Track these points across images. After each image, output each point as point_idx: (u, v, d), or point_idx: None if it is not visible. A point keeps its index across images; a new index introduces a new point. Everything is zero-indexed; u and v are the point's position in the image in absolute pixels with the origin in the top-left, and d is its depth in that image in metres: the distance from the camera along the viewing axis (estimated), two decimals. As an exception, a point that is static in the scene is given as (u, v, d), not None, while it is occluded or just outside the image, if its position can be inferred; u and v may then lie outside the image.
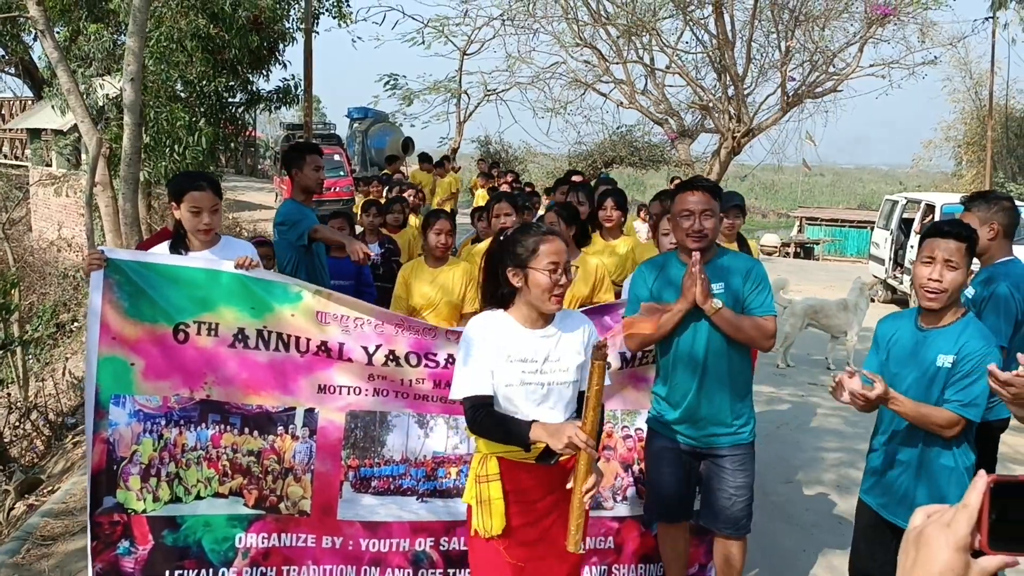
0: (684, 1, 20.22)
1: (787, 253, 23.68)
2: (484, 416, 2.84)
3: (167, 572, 3.77)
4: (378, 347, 3.90)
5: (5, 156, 27.92)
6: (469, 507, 2.97)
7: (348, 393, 3.97)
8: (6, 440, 7.28)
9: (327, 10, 14.90)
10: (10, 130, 26.83)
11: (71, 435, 7.06)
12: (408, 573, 4.03)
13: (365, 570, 4.00)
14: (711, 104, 21.95)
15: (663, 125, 23.82)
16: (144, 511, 3.75)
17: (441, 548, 4.04)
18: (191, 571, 3.80)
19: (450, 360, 3.80)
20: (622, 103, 23.57)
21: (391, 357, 3.91)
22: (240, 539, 3.88)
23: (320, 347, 3.88)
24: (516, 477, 2.92)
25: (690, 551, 4.04)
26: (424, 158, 15.30)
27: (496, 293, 3.00)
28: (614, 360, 4.05)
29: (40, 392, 8.50)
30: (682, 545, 3.93)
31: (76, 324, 14.21)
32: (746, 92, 21.23)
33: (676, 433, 3.71)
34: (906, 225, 15.00)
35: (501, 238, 2.99)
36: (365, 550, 4.02)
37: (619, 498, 4.23)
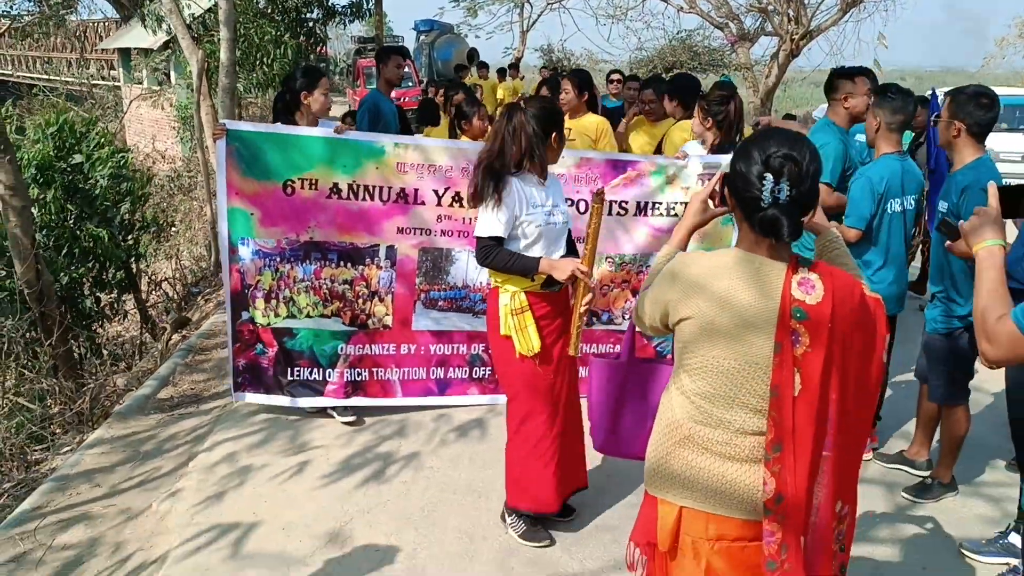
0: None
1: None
2: (497, 252, 3.42)
3: (289, 369, 4.73)
4: (446, 189, 4.65)
5: (92, 76, 29.49)
6: (505, 340, 3.49)
7: (420, 233, 4.75)
8: (148, 303, 8.76)
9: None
10: (102, 51, 28.26)
11: (199, 298, 8.47)
12: (465, 371, 4.97)
13: (432, 370, 4.94)
14: (770, 6, 22.18)
15: (723, 29, 23.97)
16: (268, 324, 4.67)
17: (490, 352, 4.42)
18: (305, 369, 4.75)
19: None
20: (682, 8, 23.80)
21: (456, 198, 4.67)
22: (341, 348, 4.77)
23: (399, 194, 4.63)
24: (539, 305, 3.48)
25: None
26: (480, 66, 16.22)
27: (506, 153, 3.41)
28: (631, 206, 4.89)
29: (161, 272, 9.94)
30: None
31: (174, 229, 15.64)
32: (806, -9, 21.43)
33: None
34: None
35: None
36: (433, 354, 4.92)
37: (627, 315, 5.11)
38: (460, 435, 4.62)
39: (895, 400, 4.95)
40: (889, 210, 4.10)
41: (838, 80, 4.58)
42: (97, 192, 7.91)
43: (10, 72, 28.56)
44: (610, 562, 3.39)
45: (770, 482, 1.98)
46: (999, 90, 14.90)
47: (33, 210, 6.94)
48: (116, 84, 26.84)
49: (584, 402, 3.42)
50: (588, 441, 3.31)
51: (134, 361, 7.40)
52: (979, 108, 3.77)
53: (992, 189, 2.12)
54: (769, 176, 1.95)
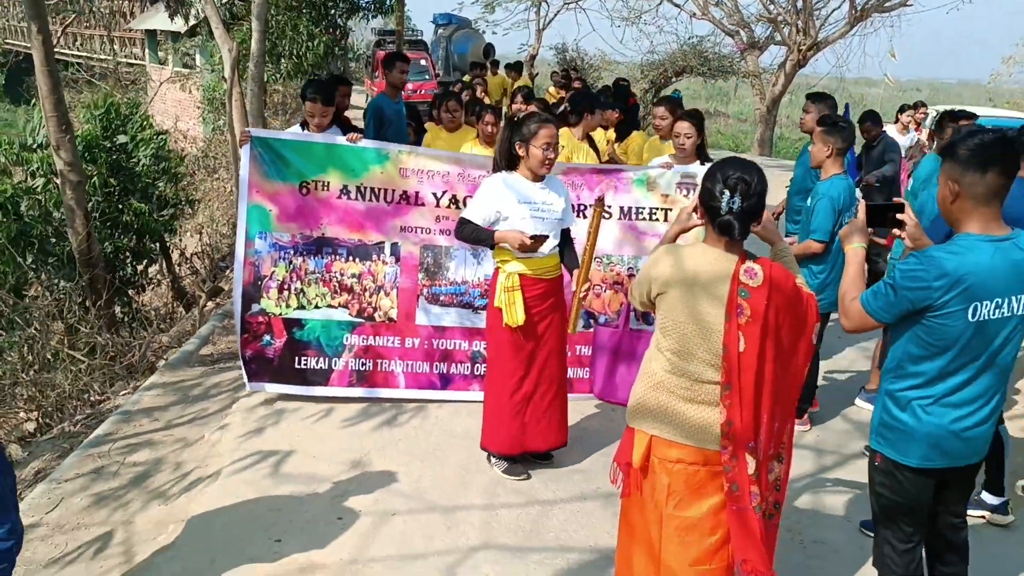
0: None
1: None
2: (466, 227, 4.19)
3: (296, 358, 5.09)
4: (444, 192, 5.14)
5: (117, 54, 30.27)
6: (496, 310, 4.18)
7: (422, 232, 5.21)
8: (183, 275, 9.57)
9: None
10: (129, 30, 29.02)
11: (227, 272, 9.26)
12: (467, 367, 5.29)
13: (435, 364, 5.27)
14: (780, 17, 22.84)
15: (734, 36, 24.69)
16: (280, 314, 5.05)
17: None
18: (312, 359, 5.11)
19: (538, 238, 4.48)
20: (695, 14, 24.52)
21: (453, 200, 5.15)
22: (347, 338, 5.15)
23: (402, 196, 5.12)
24: (528, 287, 4.14)
25: None
26: (493, 64, 16.87)
27: (509, 158, 4.16)
28: (616, 211, 5.36)
29: (189, 247, 10.73)
30: None
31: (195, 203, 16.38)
32: (815, 5, 22.07)
33: None
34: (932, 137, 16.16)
35: (514, 120, 4.28)
36: (436, 348, 5.27)
37: (621, 315, 5.38)
38: (461, 395, 5.37)
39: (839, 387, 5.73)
40: (844, 222, 4.86)
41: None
42: (139, 170, 8.69)
43: (40, 47, 29.23)
44: (578, 494, 4.16)
45: (723, 413, 2.72)
46: (994, 112, 15.33)
47: (85, 184, 7.72)
48: (141, 63, 27.64)
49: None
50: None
51: (166, 326, 8.19)
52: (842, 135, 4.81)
53: (861, 205, 2.92)
54: (726, 192, 2.70)
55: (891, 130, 10.34)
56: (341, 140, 5.13)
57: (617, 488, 2.97)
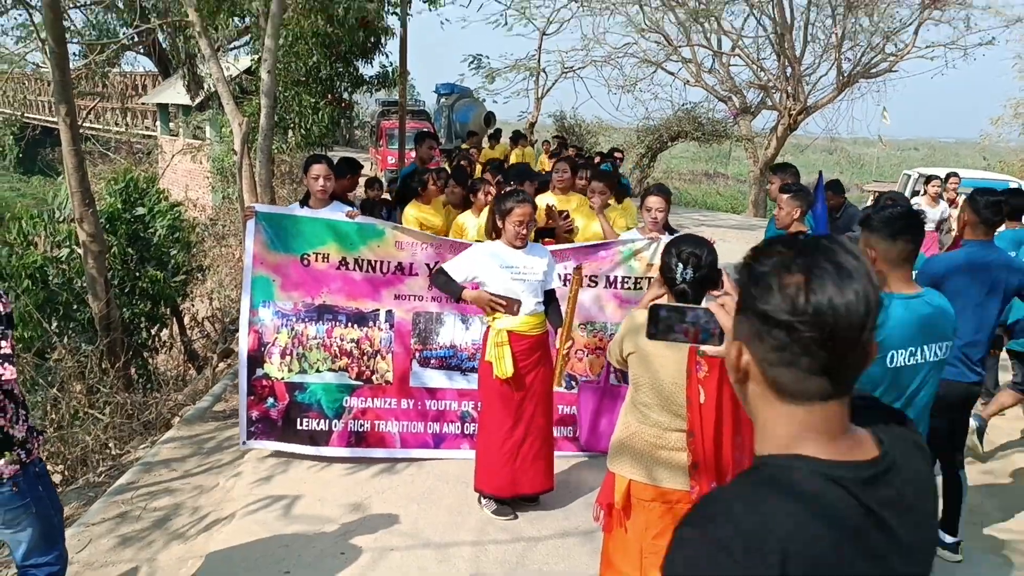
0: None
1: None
2: (440, 276, 4.66)
3: (298, 419, 5.34)
4: (436, 263, 5.33)
5: (129, 126, 31.20)
6: (487, 364, 4.58)
7: (414, 299, 5.52)
8: (194, 338, 10.05)
9: (418, -4, 17.33)
10: (142, 104, 29.97)
11: (235, 335, 9.73)
12: (457, 426, 5.58)
13: (429, 424, 5.56)
14: (770, 83, 23.62)
15: (726, 102, 25.48)
16: (282, 378, 5.32)
17: (478, 408, 5.19)
18: (313, 420, 5.36)
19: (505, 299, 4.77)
20: (688, 81, 25.36)
21: None
22: (346, 401, 5.42)
23: (397, 267, 5.43)
24: (516, 342, 4.55)
25: None
26: (495, 134, 17.51)
27: (493, 229, 4.62)
28: (601, 281, 5.65)
29: (200, 311, 11.23)
30: None
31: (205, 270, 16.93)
32: (804, 72, 22.85)
33: None
34: (915, 196, 16.58)
35: (500, 195, 4.81)
36: (429, 409, 5.55)
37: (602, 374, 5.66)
38: (456, 445, 5.78)
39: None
40: None
41: None
42: (156, 240, 9.22)
43: (55, 120, 30.22)
44: (560, 531, 4.54)
45: (689, 456, 3.14)
46: (987, 174, 15.63)
47: (105, 254, 8.23)
48: (153, 135, 28.51)
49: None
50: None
51: (179, 386, 8.63)
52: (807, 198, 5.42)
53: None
54: (680, 264, 3.16)
55: (920, 202, 10.37)
56: (340, 217, 5.42)
57: (597, 525, 3.38)
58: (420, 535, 4.45)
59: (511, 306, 4.49)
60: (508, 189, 5.53)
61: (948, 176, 11.37)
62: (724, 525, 1.15)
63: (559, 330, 4.64)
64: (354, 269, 5.40)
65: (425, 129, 24.20)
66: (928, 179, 10.81)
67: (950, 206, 10.73)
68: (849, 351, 1.20)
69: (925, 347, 3.08)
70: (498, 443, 4.63)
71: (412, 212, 6.71)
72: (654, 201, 5.57)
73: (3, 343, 2.99)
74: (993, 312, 4.21)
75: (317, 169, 5.54)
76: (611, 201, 6.79)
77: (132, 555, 4.31)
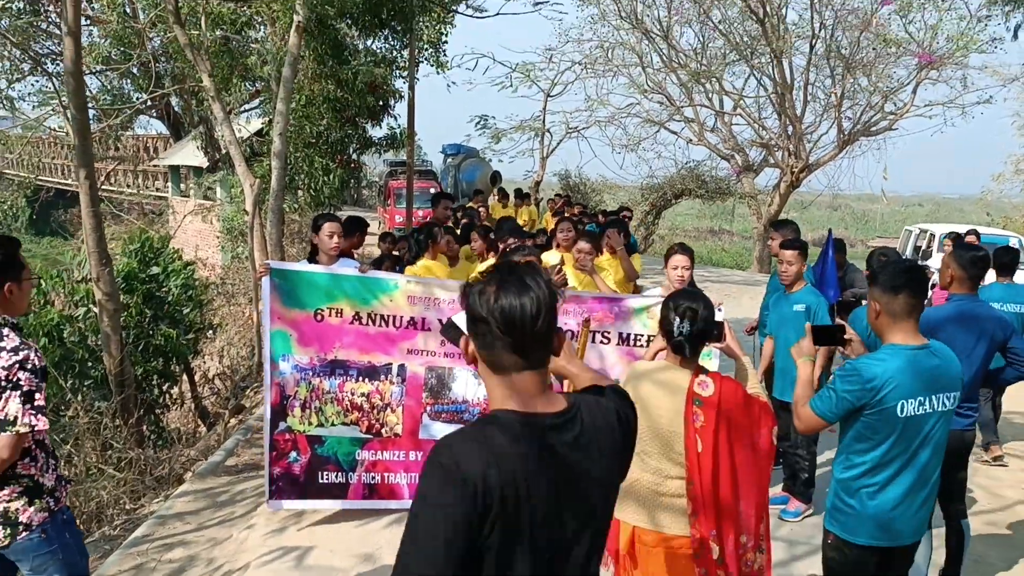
0: (747, 49, 22.44)
1: None
2: (450, 329, 4.94)
3: (318, 473, 5.40)
4: (448, 319, 5.86)
5: (141, 188, 31.76)
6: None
7: (427, 354, 5.55)
8: (204, 395, 10.19)
9: (426, 59, 17.77)
10: (155, 166, 30.54)
11: (247, 391, 9.86)
12: None
13: None
14: (772, 141, 24.00)
15: (729, 160, 25.85)
16: (303, 431, 5.38)
17: None
18: (332, 473, 5.43)
19: None
20: (692, 140, 25.77)
21: None
22: (359, 454, 5.50)
23: (409, 322, 5.49)
24: None
25: None
26: (501, 193, 17.83)
27: None
28: (613, 338, 5.65)
29: (210, 368, 11.38)
30: None
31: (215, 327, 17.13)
32: (805, 130, 23.22)
33: None
34: (917, 252, 16.73)
35: (506, 250, 5.10)
36: None
37: None
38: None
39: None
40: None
41: None
42: (169, 298, 9.41)
43: (70, 183, 30.78)
44: None
45: (689, 504, 3.25)
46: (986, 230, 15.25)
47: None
48: (164, 195, 28.99)
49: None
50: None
51: (190, 442, 8.75)
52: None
53: (808, 327, 3.55)
54: (677, 319, 3.31)
55: (939, 260, 9.89)
56: (352, 271, 5.54)
57: (607, 573, 3.48)
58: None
59: None
60: (514, 244, 5.68)
61: (967, 233, 10.88)
62: (446, 453, 1.74)
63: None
64: (368, 323, 5.45)
65: (434, 190, 24.67)
66: (954, 236, 10.29)
67: None
68: (529, 336, 1.85)
69: (933, 397, 3.20)
70: None
71: (420, 263, 6.75)
72: (680, 260, 5.67)
73: (38, 395, 3.15)
74: (977, 361, 4.35)
75: (329, 227, 5.69)
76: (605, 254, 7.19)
77: (148, 605, 4.41)
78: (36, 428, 3.15)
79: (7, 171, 35.41)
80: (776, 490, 5.81)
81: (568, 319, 5.60)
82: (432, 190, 24.37)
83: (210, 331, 11.63)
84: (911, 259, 15.59)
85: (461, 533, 1.69)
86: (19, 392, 3.10)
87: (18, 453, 3.16)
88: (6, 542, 3.20)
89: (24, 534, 3.22)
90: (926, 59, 20.44)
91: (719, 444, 3.25)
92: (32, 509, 3.23)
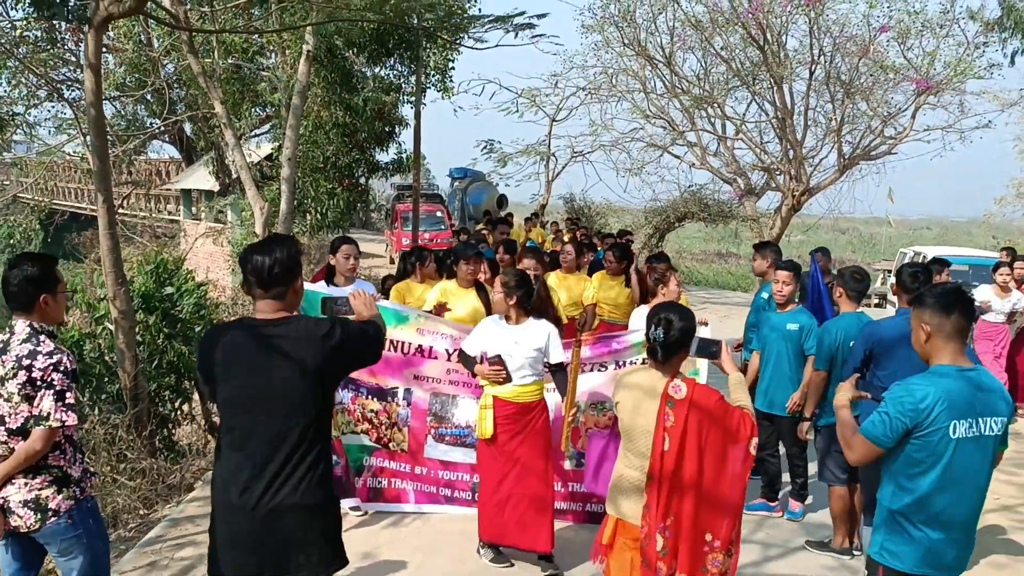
0: (749, 75, 22.83)
1: (867, 304, 24.46)
2: (463, 357, 5.30)
3: (348, 475, 5.82)
4: (455, 349, 5.65)
5: (153, 211, 32.29)
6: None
7: (432, 381, 5.86)
8: (213, 411, 10.54)
9: (433, 85, 18.24)
10: (167, 189, 31.10)
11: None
12: (468, 495, 5.89)
13: (441, 490, 5.94)
14: (773, 166, 24.33)
15: (731, 184, 26.13)
16: (336, 436, 5.66)
17: None
18: (351, 475, 5.85)
19: (496, 360, 5.15)
20: (694, 164, 26.08)
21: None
22: (366, 460, 5.88)
23: (417, 349, 5.78)
24: (500, 407, 4.99)
25: None
26: (503, 219, 18.19)
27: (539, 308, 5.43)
28: (611, 365, 5.81)
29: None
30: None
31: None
32: (805, 155, 23.55)
33: None
34: None
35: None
36: (441, 478, 5.92)
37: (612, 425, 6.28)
38: (460, 504, 6.20)
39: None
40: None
41: None
42: (183, 316, 9.79)
43: (84, 206, 31.35)
44: (552, 577, 4.95)
45: (644, 497, 3.57)
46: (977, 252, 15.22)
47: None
48: (176, 219, 29.50)
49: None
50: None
51: (199, 457, 9.08)
52: (854, 280, 5.60)
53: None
54: (653, 327, 3.64)
55: (986, 291, 9.52)
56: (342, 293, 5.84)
57: (596, 565, 3.86)
58: (424, 580, 4.87)
59: (502, 374, 4.97)
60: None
61: (1014, 259, 10.06)
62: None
63: (564, 399, 5.09)
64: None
65: (440, 213, 25.09)
66: (997, 266, 9.70)
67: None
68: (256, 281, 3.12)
69: (980, 420, 3.18)
70: (488, 494, 5.07)
71: (441, 287, 6.72)
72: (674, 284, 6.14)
73: (68, 394, 3.53)
74: None
75: (346, 249, 6.02)
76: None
77: (162, 597, 4.75)
78: (66, 424, 3.52)
79: (23, 195, 36.04)
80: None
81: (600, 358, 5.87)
82: (439, 213, 24.81)
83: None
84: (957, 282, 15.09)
85: None
86: (52, 391, 3.48)
87: (49, 445, 3.53)
88: (37, 526, 3.57)
89: (53, 519, 3.59)
90: (923, 85, 20.80)
91: (686, 445, 3.53)
92: (60, 497, 3.60)
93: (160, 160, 32.85)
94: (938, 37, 20.20)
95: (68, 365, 3.56)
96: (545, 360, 5.16)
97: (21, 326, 3.58)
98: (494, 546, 5.17)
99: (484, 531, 5.14)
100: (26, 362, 3.48)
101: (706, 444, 3.58)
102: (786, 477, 6.37)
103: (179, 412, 10.07)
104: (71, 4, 7.38)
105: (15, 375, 3.47)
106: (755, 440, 3.65)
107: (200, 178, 25.60)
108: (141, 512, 6.55)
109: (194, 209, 28.59)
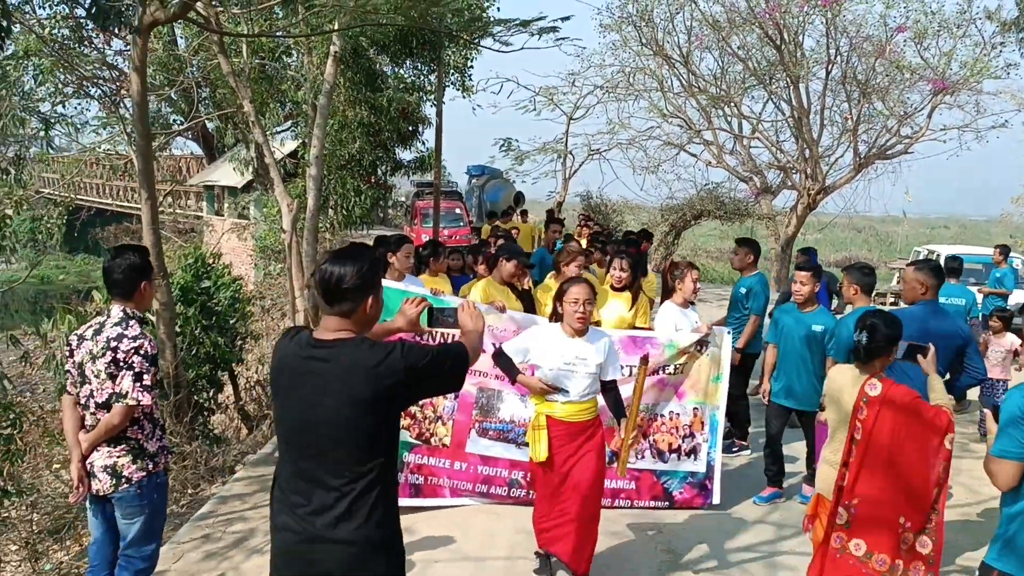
0: (765, 74, 23.06)
1: (882, 303, 24.38)
2: (502, 358, 4.88)
3: None
4: (495, 345, 5.27)
5: (176, 207, 32.76)
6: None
7: (479, 375, 5.90)
8: (245, 401, 10.97)
9: (452, 83, 18.61)
10: (189, 185, 31.58)
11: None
12: (504, 490, 5.97)
13: (478, 486, 5.95)
14: (789, 165, 24.56)
15: (747, 182, 26.38)
16: None
17: (527, 478, 5.77)
18: None
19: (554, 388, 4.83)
20: (710, 163, 26.33)
21: None
22: (406, 455, 5.87)
23: None
24: (554, 427, 4.67)
25: None
26: (523, 212, 18.53)
27: (555, 313, 4.88)
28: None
29: (251, 377, 12.17)
30: None
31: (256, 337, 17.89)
32: (821, 154, 23.76)
33: None
34: None
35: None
36: (479, 473, 5.93)
37: (640, 455, 6.14)
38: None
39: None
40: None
41: None
42: (219, 309, 10.19)
43: (109, 201, 31.87)
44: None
45: (835, 480, 4.08)
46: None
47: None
48: (199, 215, 29.99)
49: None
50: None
51: (233, 443, 9.48)
52: (862, 274, 5.89)
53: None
54: (858, 330, 4.13)
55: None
56: (424, 291, 5.88)
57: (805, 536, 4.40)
58: (460, 552, 5.23)
59: (554, 393, 4.66)
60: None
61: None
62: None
63: (623, 421, 4.84)
64: (427, 340, 5.51)
65: (459, 210, 25.44)
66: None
67: None
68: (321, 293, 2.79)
69: None
70: (541, 515, 4.88)
71: (482, 286, 6.66)
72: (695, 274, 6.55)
73: (146, 376, 3.91)
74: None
75: (408, 248, 6.40)
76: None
77: (217, 564, 5.13)
78: (141, 403, 3.90)
79: (45, 190, 36.59)
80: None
81: (629, 357, 5.87)
82: (457, 210, 25.13)
83: (252, 341, 12.41)
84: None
85: None
86: (132, 372, 3.86)
87: (127, 421, 3.91)
88: (111, 490, 3.99)
89: (124, 485, 4.00)
90: (939, 85, 20.96)
91: (875, 435, 3.96)
92: (134, 467, 3.99)
93: (183, 156, 33.32)
94: (955, 37, 20.37)
95: (149, 350, 3.94)
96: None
97: (116, 311, 3.99)
98: (547, 555, 4.91)
99: (541, 542, 4.93)
100: (113, 344, 3.87)
101: (898, 437, 3.96)
102: (802, 465, 6.71)
103: (213, 401, 10.48)
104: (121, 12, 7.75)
105: (104, 355, 3.86)
106: (951, 435, 3.94)
107: (223, 174, 26.04)
108: (189, 492, 6.94)
109: (216, 205, 29.03)
